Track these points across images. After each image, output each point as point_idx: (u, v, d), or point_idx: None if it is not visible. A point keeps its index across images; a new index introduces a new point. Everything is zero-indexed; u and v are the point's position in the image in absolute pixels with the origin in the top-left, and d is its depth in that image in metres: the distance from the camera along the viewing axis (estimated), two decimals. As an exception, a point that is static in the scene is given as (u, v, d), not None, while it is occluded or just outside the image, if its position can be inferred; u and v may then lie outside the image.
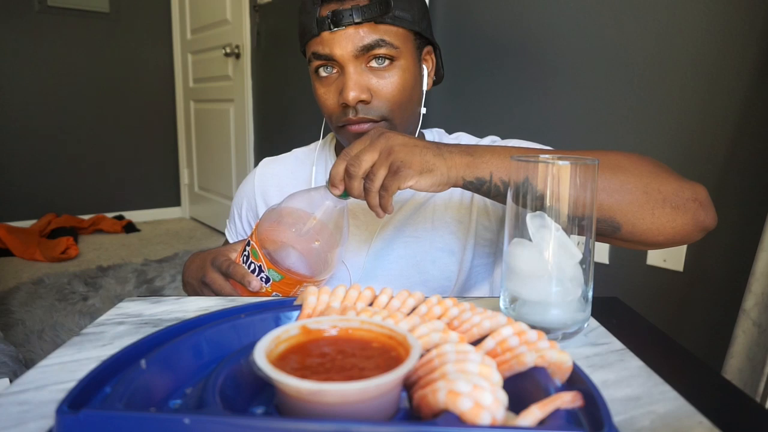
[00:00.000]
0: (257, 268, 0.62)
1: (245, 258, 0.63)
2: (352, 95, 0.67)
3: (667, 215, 0.55)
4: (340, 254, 0.65)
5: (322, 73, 0.70)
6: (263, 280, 0.61)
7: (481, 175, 0.55)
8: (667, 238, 0.57)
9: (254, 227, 0.65)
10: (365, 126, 0.69)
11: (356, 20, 0.66)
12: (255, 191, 0.85)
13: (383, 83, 0.69)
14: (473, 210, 0.77)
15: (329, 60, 0.68)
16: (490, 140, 0.81)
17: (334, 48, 0.67)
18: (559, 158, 0.43)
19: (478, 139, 0.82)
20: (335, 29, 0.66)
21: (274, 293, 0.62)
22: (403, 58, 0.70)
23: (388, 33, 0.68)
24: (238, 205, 0.87)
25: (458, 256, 0.77)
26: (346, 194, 0.59)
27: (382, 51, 0.68)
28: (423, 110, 0.77)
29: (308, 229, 0.60)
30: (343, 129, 0.71)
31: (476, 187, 0.56)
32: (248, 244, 0.64)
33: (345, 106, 0.69)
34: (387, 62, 0.69)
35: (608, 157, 0.56)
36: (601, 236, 0.58)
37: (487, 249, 0.79)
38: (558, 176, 0.43)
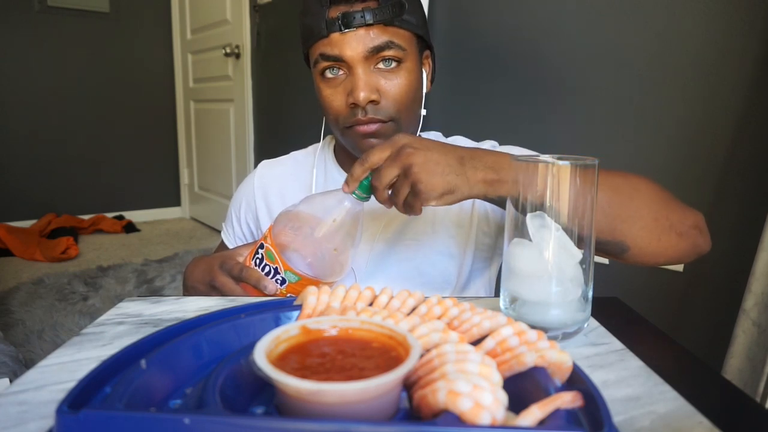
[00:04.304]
0: (272, 270, 0.61)
1: (258, 261, 0.63)
2: (362, 95, 0.67)
3: (671, 241, 0.58)
4: (353, 256, 0.65)
5: (329, 74, 0.70)
6: (278, 282, 0.61)
7: (505, 194, 0.54)
8: (667, 260, 0.60)
9: (268, 230, 0.65)
10: (374, 126, 0.70)
11: (368, 22, 0.66)
12: (255, 193, 0.85)
13: (391, 84, 0.70)
14: (474, 215, 0.77)
15: (338, 61, 0.68)
16: (490, 145, 0.81)
17: (344, 49, 0.67)
18: (559, 158, 0.43)
19: (476, 143, 0.83)
20: (346, 30, 0.67)
21: (288, 295, 0.62)
22: (408, 60, 0.71)
23: (396, 35, 0.69)
24: (237, 207, 0.87)
25: (458, 260, 0.77)
26: (364, 197, 0.60)
27: (390, 53, 0.68)
28: (423, 112, 0.77)
29: (327, 231, 0.61)
30: (350, 130, 0.71)
31: (497, 203, 0.57)
32: (261, 246, 0.64)
33: (353, 107, 0.69)
34: (394, 64, 0.70)
35: (619, 180, 0.58)
36: (605, 254, 0.60)
37: (486, 253, 0.79)
38: (558, 177, 0.43)
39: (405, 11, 0.68)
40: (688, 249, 0.60)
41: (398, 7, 0.68)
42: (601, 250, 0.59)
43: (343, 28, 0.67)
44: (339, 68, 0.70)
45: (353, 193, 0.60)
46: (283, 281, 0.61)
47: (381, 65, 0.69)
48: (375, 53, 0.68)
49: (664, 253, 0.59)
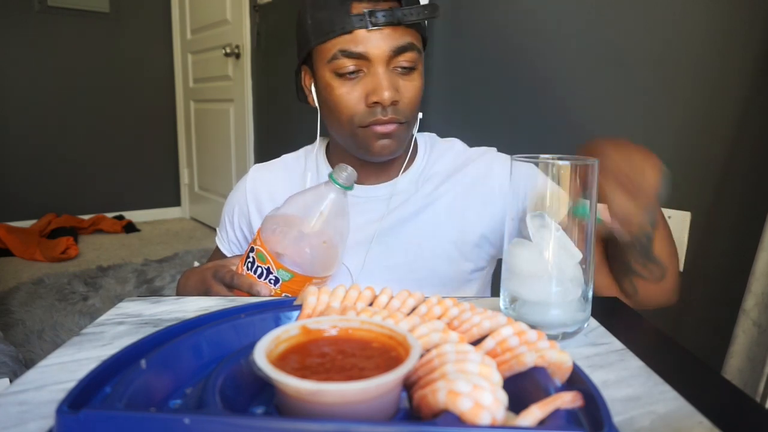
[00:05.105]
0: (265, 271, 0.61)
1: (250, 264, 0.63)
2: (387, 94, 0.66)
3: (677, 284, 0.67)
4: (343, 249, 0.66)
5: (344, 72, 0.68)
6: (272, 282, 0.61)
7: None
8: (666, 300, 0.68)
9: (257, 232, 0.65)
10: (391, 127, 0.69)
11: (402, 20, 0.66)
12: (247, 198, 0.84)
13: (408, 86, 0.70)
14: (477, 224, 0.77)
15: (360, 58, 0.67)
16: (484, 150, 0.82)
17: (369, 47, 0.66)
18: (559, 158, 0.43)
19: (470, 147, 0.84)
20: (372, 28, 0.66)
21: (284, 294, 0.62)
22: (420, 63, 0.71)
23: (415, 37, 0.70)
24: (230, 213, 0.86)
25: (457, 265, 0.77)
26: (350, 186, 0.62)
27: (410, 55, 0.69)
28: (420, 115, 0.78)
29: (315, 224, 0.62)
30: (366, 129, 0.70)
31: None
32: (251, 250, 0.64)
33: (373, 106, 0.68)
34: (410, 65, 0.70)
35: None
36: (642, 279, 0.65)
37: (485, 262, 0.80)
38: (558, 177, 0.43)
39: (437, 13, 0.68)
40: (672, 299, 0.68)
41: (431, 9, 0.67)
42: (647, 267, 0.63)
43: (370, 26, 0.65)
44: (356, 66, 0.68)
45: (336, 182, 0.61)
46: (277, 280, 0.61)
47: (398, 67, 0.69)
48: (397, 54, 0.67)
49: (671, 292, 0.67)
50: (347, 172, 0.62)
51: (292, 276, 0.61)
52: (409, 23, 0.67)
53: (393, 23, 0.66)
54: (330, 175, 0.62)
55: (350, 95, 0.69)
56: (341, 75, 0.69)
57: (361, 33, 0.66)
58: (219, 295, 0.64)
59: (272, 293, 0.61)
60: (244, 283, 0.61)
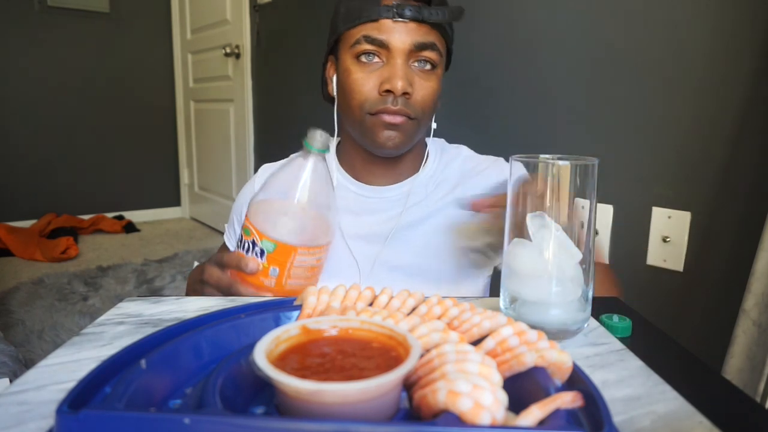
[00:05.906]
0: (250, 245, 0.62)
1: (239, 242, 0.65)
2: (400, 84, 0.68)
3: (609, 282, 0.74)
4: (331, 220, 0.66)
5: (364, 59, 0.71)
6: (258, 254, 0.62)
7: None
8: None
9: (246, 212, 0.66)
10: (399, 119, 0.70)
11: (426, 18, 0.68)
12: None
13: (423, 84, 0.71)
14: (484, 233, 0.78)
15: (381, 47, 0.69)
16: (493, 160, 0.82)
17: (392, 36, 0.68)
18: (559, 158, 0.43)
19: (478, 155, 0.84)
20: (398, 19, 0.68)
21: (271, 267, 0.63)
22: (439, 68, 0.73)
23: (438, 40, 0.71)
24: (238, 211, 0.87)
25: (463, 271, 0.78)
26: (325, 149, 0.62)
27: (430, 54, 0.70)
28: (434, 125, 0.79)
29: (296, 192, 0.62)
30: (374, 117, 0.71)
31: None
32: (242, 230, 0.65)
33: (386, 94, 0.69)
34: (429, 66, 0.71)
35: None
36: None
37: (491, 270, 0.81)
38: (558, 176, 0.43)
39: (462, 17, 0.69)
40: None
41: (457, 12, 0.69)
42: None
43: (396, 17, 0.68)
44: (376, 55, 0.70)
45: (310, 147, 0.62)
46: (262, 252, 0.62)
47: (416, 64, 0.71)
48: (418, 50, 0.69)
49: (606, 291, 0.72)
50: (319, 133, 0.63)
51: (276, 246, 0.61)
52: (434, 23, 0.69)
53: (418, 19, 0.68)
54: (304, 142, 0.63)
55: (365, 81, 0.71)
56: (360, 61, 0.71)
57: (386, 22, 0.69)
58: (210, 276, 0.65)
59: (260, 267, 0.62)
60: (233, 259, 0.63)
